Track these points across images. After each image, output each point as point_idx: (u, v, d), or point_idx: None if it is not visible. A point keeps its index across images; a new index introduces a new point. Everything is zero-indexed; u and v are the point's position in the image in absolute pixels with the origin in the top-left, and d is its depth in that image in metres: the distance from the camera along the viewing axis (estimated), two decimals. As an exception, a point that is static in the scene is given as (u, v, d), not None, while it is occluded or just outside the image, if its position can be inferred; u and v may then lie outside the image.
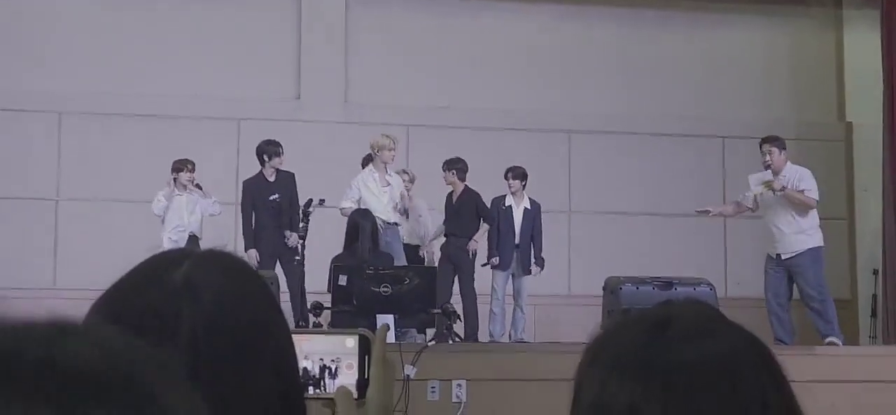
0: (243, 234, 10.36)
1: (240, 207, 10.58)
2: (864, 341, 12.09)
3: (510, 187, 10.73)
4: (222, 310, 1.09)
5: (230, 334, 1.08)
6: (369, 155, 10.43)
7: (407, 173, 11.01)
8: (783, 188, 9.54)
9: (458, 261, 10.48)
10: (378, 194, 10.04)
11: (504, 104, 12.78)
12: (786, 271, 9.58)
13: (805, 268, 9.53)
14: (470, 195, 10.72)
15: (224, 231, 10.69)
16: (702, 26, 13.47)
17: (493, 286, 10.62)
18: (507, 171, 10.79)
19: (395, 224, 10.13)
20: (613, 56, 13.27)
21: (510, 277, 10.69)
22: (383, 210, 9.97)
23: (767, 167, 9.66)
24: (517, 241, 10.66)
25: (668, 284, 8.66)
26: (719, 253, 12.90)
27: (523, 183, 10.76)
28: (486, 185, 10.81)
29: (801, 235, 9.56)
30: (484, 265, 10.63)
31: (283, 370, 1.12)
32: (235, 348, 1.07)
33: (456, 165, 10.75)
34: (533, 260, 10.71)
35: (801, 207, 9.55)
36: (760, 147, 9.83)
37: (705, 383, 1.14)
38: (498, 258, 10.56)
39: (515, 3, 13.11)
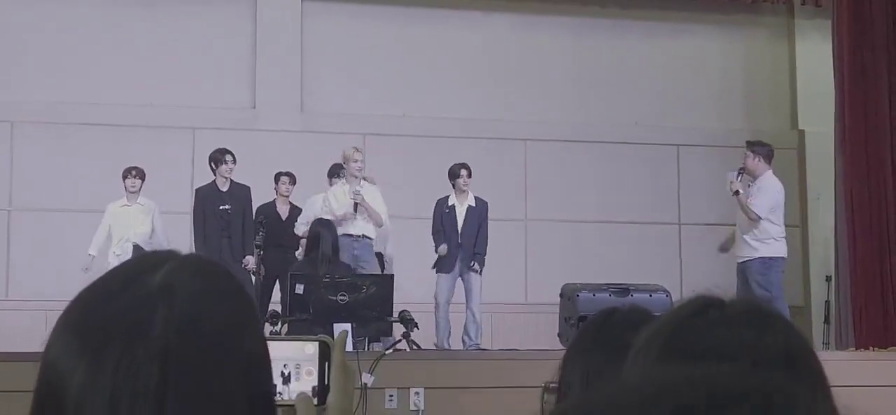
0: (194, 241, 10.30)
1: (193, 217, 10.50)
2: (817, 347, 12.21)
3: (463, 185, 10.41)
4: (197, 313, 1.09)
5: (202, 338, 1.08)
6: (336, 165, 10.42)
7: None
8: (736, 193, 9.62)
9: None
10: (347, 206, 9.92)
11: (460, 113, 12.78)
12: (745, 277, 9.66)
13: (752, 273, 9.65)
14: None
15: (181, 241, 10.63)
16: (656, 36, 13.56)
17: (435, 292, 10.24)
18: (460, 168, 10.47)
19: (366, 237, 9.97)
20: (569, 65, 13.32)
21: (458, 279, 10.32)
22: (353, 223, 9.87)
23: (742, 169, 9.72)
24: (460, 240, 10.30)
25: (624, 290, 8.69)
26: (675, 260, 12.98)
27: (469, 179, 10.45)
28: (443, 193, 10.79)
29: (756, 242, 9.64)
30: (435, 266, 10.37)
31: (255, 376, 1.12)
32: (206, 352, 1.07)
33: None
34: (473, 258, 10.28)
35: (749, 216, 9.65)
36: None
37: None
38: (444, 247, 10.21)
39: (471, 12, 13.13)
